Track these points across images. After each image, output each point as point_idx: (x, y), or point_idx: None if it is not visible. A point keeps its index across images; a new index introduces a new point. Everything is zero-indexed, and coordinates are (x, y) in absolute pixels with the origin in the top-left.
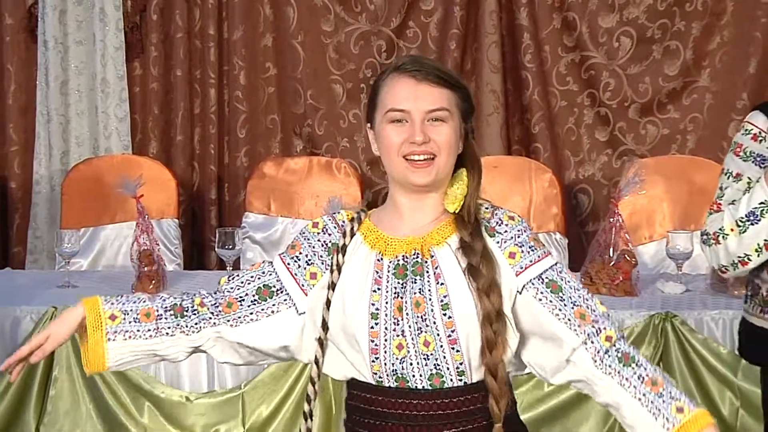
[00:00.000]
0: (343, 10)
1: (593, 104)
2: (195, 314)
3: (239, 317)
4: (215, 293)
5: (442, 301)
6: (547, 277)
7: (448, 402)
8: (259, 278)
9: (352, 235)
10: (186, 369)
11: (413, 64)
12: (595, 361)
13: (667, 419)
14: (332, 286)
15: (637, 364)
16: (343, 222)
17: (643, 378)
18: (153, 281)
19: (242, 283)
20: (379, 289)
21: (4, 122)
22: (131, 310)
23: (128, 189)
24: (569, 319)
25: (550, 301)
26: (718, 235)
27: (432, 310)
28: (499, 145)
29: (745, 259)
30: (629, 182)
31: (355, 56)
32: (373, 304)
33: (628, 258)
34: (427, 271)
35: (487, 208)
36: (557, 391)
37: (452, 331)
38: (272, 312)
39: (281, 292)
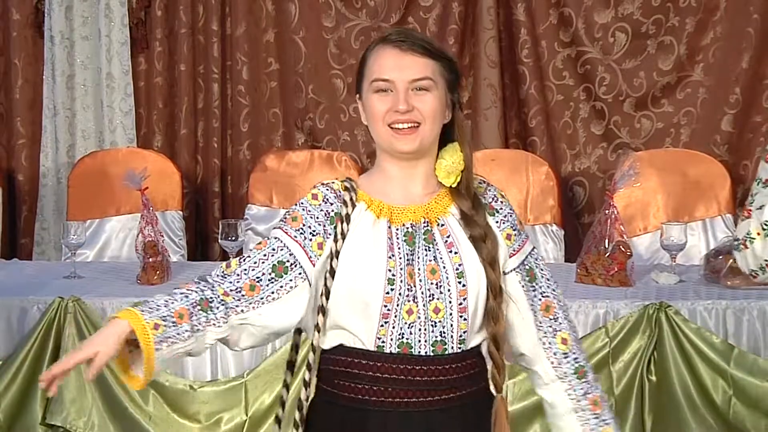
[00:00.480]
0: (344, 6)
1: (589, 98)
2: (222, 305)
3: (261, 298)
4: (226, 276)
5: (457, 269)
6: (527, 264)
7: (448, 368)
8: (272, 255)
9: (353, 204)
10: (190, 358)
11: (398, 35)
12: (552, 363)
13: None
14: (336, 254)
15: (587, 381)
16: (340, 191)
17: (588, 395)
18: (157, 272)
19: (255, 263)
20: (392, 255)
21: (12, 116)
22: (168, 315)
23: (133, 182)
24: (536, 312)
25: (528, 291)
26: (746, 240)
27: (447, 278)
28: (497, 139)
29: None
30: (624, 175)
31: (355, 51)
32: (389, 270)
33: (623, 249)
34: (437, 240)
35: (480, 183)
36: None
37: (464, 299)
38: (291, 288)
39: (295, 266)
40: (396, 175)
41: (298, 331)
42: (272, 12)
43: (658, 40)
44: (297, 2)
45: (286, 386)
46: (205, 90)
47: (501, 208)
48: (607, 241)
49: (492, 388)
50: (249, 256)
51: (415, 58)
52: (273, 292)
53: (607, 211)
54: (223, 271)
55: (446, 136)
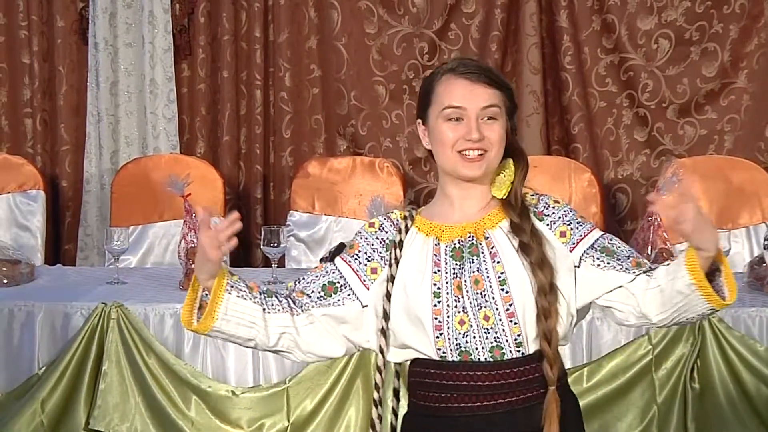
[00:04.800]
0: (386, 13)
1: (632, 105)
2: (285, 299)
3: (314, 300)
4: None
5: (499, 277)
6: (599, 245)
7: (509, 372)
8: (323, 276)
9: (407, 230)
10: (232, 364)
11: (467, 67)
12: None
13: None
14: (392, 278)
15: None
16: (398, 220)
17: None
18: None
19: (308, 283)
20: (438, 270)
21: (56, 122)
22: (243, 280)
23: (176, 188)
24: (627, 269)
25: (608, 263)
26: None
27: (490, 287)
28: (539, 146)
29: None
30: (667, 182)
31: (397, 58)
32: (435, 284)
33: (666, 256)
34: (483, 252)
35: (532, 196)
36: (596, 387)
37: (510, 305)
38: (338, 306)
39: (345, 288)
40: (456, 195)
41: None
42: (315, 19)
43: (701, 46)
44: (339, 9)
45: (393, 411)
46: (247, 96)
47: (552, 213)
48: (650, 248)
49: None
50: (304, 278)
51: (484, 88)
52: (322, 304)
53: (650, 218)
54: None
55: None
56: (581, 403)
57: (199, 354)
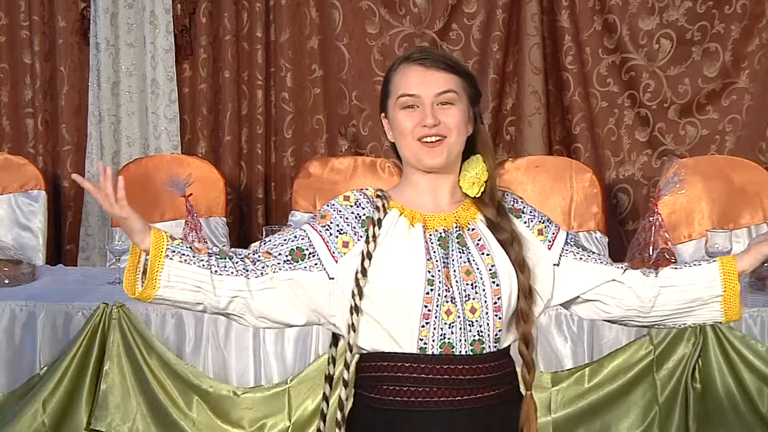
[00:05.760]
0: (388, 13)
1: (633, 105)
2: (241, 260)
3: (278, 263)
4: (247, 252)
5: (490, 270)
6: (572, 240)
7: (487, 366)
8: (292, 241)
9: (385, 210)
10: (234, 364)
11: (421, 54)
12: (643, 273)
13: (705, 261)
14: (368, 256)
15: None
16: (373, 198)
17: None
18: None
19: (275, 245)
20: (430, 258)
21: (58, 123)
22: (188, 246)
23: (177, 188)
24: (610, 263)
25: (589, 255)
26: None
27: (482, 278)
28: (541, 146)
29: None
30: (669, 182)
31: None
32: (428, 271)
33: (667, 256)
34: (468, 244)
35: (498, 191)
36: (598, 387)
37: (498, 299)
38: (304, 272)
39: (313, 256)
40: (424, 186)
41: (335, 343)
42: (316, 19)
43: (703, 46)
44: (341, 9)
45: (326, 399)
46: (249, 96)
47: (524, 209)
48: (651, 248)
49: (522, 386)
50: (271, 240)
51: (439, 74)
52: (289, 268)
53: (651, 218)
54: (247, 254)
55: (469, 149)
56: (583, 403)
57: (200, 354)
